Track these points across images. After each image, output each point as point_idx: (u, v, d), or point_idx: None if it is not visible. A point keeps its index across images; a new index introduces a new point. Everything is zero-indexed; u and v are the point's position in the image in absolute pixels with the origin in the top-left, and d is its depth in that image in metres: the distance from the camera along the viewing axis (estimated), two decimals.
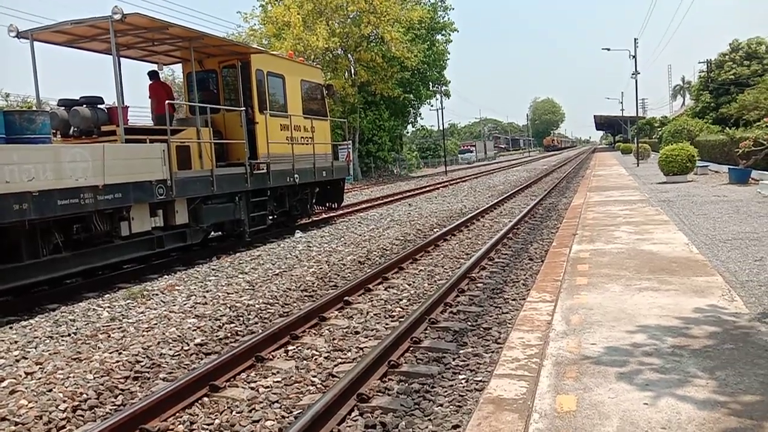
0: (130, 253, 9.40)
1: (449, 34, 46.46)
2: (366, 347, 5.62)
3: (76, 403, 4.66)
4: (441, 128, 56.07)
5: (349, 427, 4.03)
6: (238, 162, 11.80)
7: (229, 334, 6.37)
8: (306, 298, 7.82)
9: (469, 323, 6.20)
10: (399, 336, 5.44)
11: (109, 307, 7.80)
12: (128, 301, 8.01)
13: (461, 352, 5.35)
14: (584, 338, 4.62)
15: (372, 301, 7.38)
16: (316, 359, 5.45)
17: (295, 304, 7.50)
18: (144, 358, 5.61)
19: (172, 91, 12.46)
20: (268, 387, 4.86)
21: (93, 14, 9.18)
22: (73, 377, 5.15)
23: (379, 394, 4.54)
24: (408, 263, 9.45)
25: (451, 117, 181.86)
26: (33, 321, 7.31)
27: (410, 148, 60.99)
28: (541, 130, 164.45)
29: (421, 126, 66.42)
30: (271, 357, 5.56)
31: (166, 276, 9.72)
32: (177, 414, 4.42)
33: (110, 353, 5.76)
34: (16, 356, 5.97)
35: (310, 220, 15.78)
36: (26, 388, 5.00)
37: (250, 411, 4.42)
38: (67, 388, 4.93)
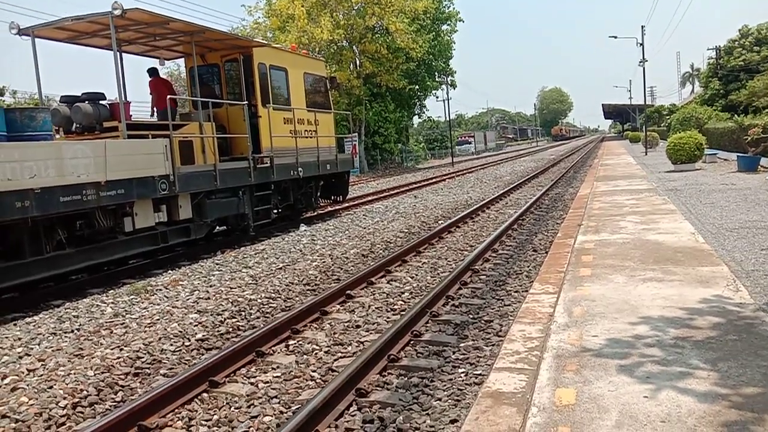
0: (134, 249, 9.42)
1: (454, 24, 46.19)
2: (366, 341, 5.59)
3: (76, 400, 4.66)
4: (447, 119, 55.84)
5: (347, 422, 4.01)
6: (242, 156, 11.77)
7: (230, 329, 6.36)
8: (308, 292, 7.80)
9: (471, 316, 6.15)
10: (399, 330, 5.41)
11: (112, 302, 7.82)
12: (132, 297, 8.02)
13: (461, 345, 5.31)
14: (586, 330, 4.56)
15: (374, 294, 7.35)
16: (316, 354, 5.42)
17: (297, 298, 7.49)
18: (145, 354, 5.61)
19: (173, 86, 12.42)
20: (267, 382, 4.85)
21: (98, 10, 9.10)
22: (74, 374, 5.16)
23: (378, 388, 4.51)
24: (411, 256, 9.41)
25: (458, 107, 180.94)
26: (37, 317, 7.34)
27: (417, 140, 60.82)
28: (549, 119, 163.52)
29: (428, 117, 66.09)
30: (271, 352, 5.54)
31: (170, 271, 9.72)
32: (176, 410, 4.42)
33: (112, 349, 5.77)
34: (19, 353, 5.99)
35: (315, 213, 15.75)
36: (28, 385, 5.01)
37: (248, 406, 4.41)
38: (67, 384, 4.93)
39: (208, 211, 10.80)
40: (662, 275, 5.98)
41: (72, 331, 6.62)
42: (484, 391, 3.74)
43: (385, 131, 42.96)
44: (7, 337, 6.55)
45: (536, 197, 16.33)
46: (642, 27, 34.05)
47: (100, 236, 8.82)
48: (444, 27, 45.56)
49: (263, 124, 12.16)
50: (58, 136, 9.94)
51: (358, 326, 6.14)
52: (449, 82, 48.86)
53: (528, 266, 8.33)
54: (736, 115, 28.86)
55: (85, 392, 4.80)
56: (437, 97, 51.09)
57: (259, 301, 7.35)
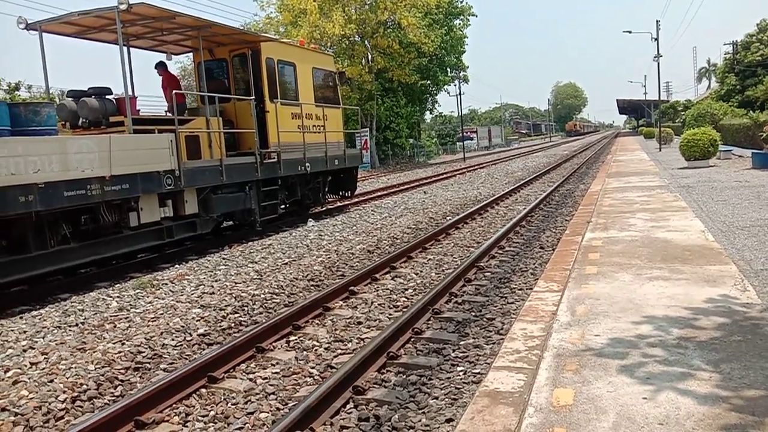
0: (139, 244, 9.44)
1: (467, 19, 45.86)
2: (367, 338, 5.56)
3: (76, 394, 4.68)
4: (459, 114, 55.60)
5: (343, 419, 3.98)
6: (249, 151, 11.77)
7: (232, 324, 6.36)
8: (312, 287, 7.78)
9: (473, 314, 6.10)
10: (400, 326, 5.37)
11: (118, 296, 7.85)
12: (137, 291, 8.05)
13: (462, 343, 5.26)
14: (588, 329, 4.49)
15: (377, 290, 7.31)
16: (316, 350, 5.40)
17: (300, 294, 7.47)
18: (146, 348, 5.62)
19: (179, 81, 12.44)
20: (266, 378, 4.83)
21: (111, 4, 9.11)
22: (75, 368, 5.18)
23: (375, 386, 4.48)
24: (417, 252, 9.36)
25: (471, 103, 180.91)
26: (43, 311, 7.38)
27: (429, 135, 60.63)
28: (563, 114, 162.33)
29: (440, 113, 65.85)
30: (271, 348, 5.52)
31: (177, 265, 9.76)
32: (173, 405, 4.41)
33: (113, 343, 5.79)
34: (23, 346, 6.03)
35: (324, 208, 15.74)
36: (29, 379, 5.03)
37: (245, 403, 4.39)
38: (68, 378, 4.95)
39: (215, 206, 10.81)
40: (669, 274, 5.89)
41: (76, 325, 6.65)
42: (482, 391, 3.69)
43: (396, 126, 42.84)
44: (12, 330, 6.60)
45: (546, 193, 16.20)
46: (657, 22, 33.63)
47: (105, 231, 8.84)
48: (456, 22, 45.27)
49: (271, 119, 12.15)
50: (64, 131, 9.97)
51: (359, 323, 6.10)
52: (461, 77, 48.62)
53: (534, 264, 8.25)
54: (751, 111, 28.43)
55: (84, 386, 4.81)
56: (449, 93, 50.78)
57: (262, 296, 7.34)
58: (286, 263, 9.24)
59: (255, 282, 8.07)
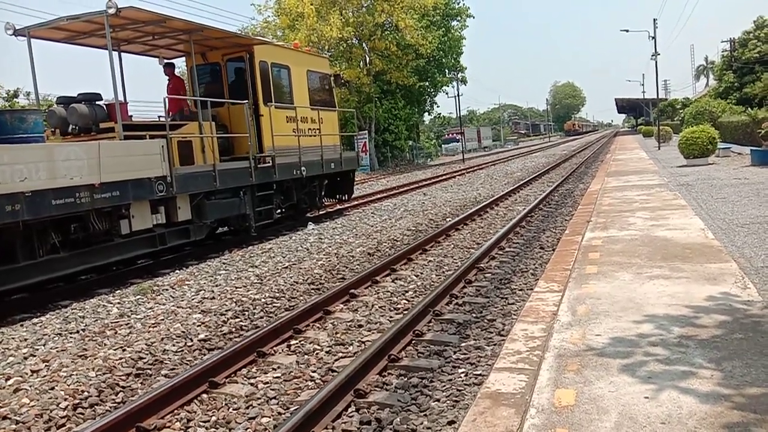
0: (131, 252, 9.38)
1: (464, 20, 45.91)
2: (368, 341, 5.56)
3: (77, 401, 4.67)
4: (458, 115, 55.62)
5: (344, 423, 3.97)
6: (243, 156, 11.73)
7: (233, 329, 6.35)
8: (313, 291, 7.78)
9: (474, 315, 6.09)
10: (401, 329, 5.37)
11: (119, 303, 7.84)
12: (138, 297, 8.05)
13: (463, 345, 5.26)
14: (589, 329, 4.49)
15: (378, 293, 7.31)
16: (317, 354, 5.40)
17: (301, 298, 7.47)
18: (147, 354, 5.62)
19: (183, 84, 12.42)
20: (267, 383, 4.82)
21: (102, 8, 9.06)
22: (76, 375, 5.17)
23: (377, 389, 4.47)
24: (417, 254, 9.35)
25: (470, 104, 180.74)
26: (44, 318, 7.38)
27: (428, 136, 60.66)
28: (561, 114, 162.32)
29: (439, 114, 65.88)
30: (272, 352, 5.52)
31: (177, 271, 9.75)
32: (174, 411, 4.41)
33: (114, 350, 5.78)
34: (24, 354, 6.02)
35: (320, 213, 15.72)
36: (30, 386, 5.03)
37: (247, 407, 4.39)
38: (69, 386, 4.94)
39: (208, 212, 10.75)
40: (669, 272, 5.88)
41: (77, 332, 6.65)
42: (483, 392, 3.69)
43: (395, 128, 42.84)
44: (13, 338, 6.59)
45: (546, 193, 16.20)
46: (654, 20, 33.68)
47: (95, 239, 8.77)
48: (454, 23, 45.30)
49: (265, 123, 12.12)
50: (53, 138, 9.94)
51: (360, 326, 6.10)
52: (460, 78, 48.67)
53: (534, 264, 8.25)
54: (750, 108, 28.44)
55: (86, 393, 4.80)
56: (447, 94, 50.87)
57: (263, 300, 7.34)
58: (287, 267, 9.24)
59: (255, 286, 8.06)
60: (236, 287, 8.10)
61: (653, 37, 33.54)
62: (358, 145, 34.58)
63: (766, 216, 8.74)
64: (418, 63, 39.79)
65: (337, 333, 5.94)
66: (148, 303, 7.71)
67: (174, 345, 5.87)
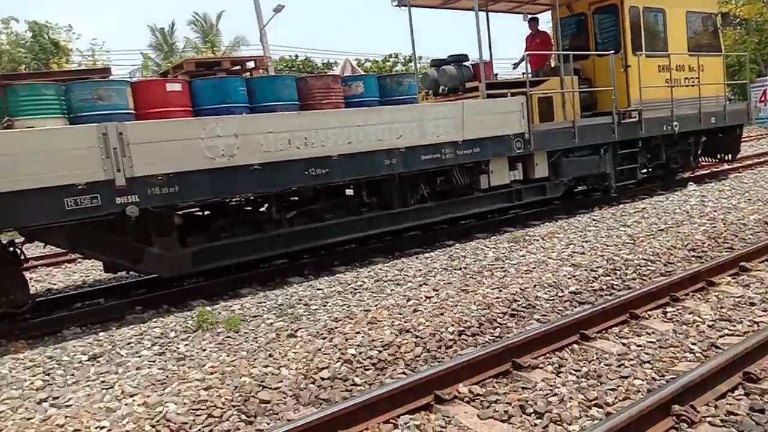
0: (488, 206, 9.90)
1: None
2: (762, 322, 4.89)
3: (461, 329, 5.33)
4: None
5: (730, 404, 3.63)
6: (607, 111, 11.15)
7: (603, 287, 6.32)
8: (693, 258, 7.14)
9: None
10: None
11: (494, 248, 8.53)
12: (511, 244, 8.61)
13: None
14: None
15: None
16: (697, 326, 4.99)
17: (679, 264, 6.94)
18: (520, 298, 6.02)
19: (548, 38, 12.35)
20: (640, 346, 4.70)
21: None
22: (461, 306, 5.87)
23: None
24: None
25: None
26: (433, 254, 8.53)
27: None
28: None
29: None
30: (646, 316, 5.32)
31: (547, 223, 10.06)
32: (546, 354, 4.66)
33: (492, 289, 6.35)
34: (419, 281, 7.11)
35: (695, 174, 13.98)
36: (424, 309, 5.92)
37: (618, 366, 4.36)
38: (454, 314, 5.66)
39: (565, 169, 10.59)
40: None
41: (459, 269, 7.51)
42: None
43: None
44: (410, 267, 7.83)
45: None
46: None
47: (457, 192, 9.55)
48: None
49: (632, 75, 11.19)
50: (428, 99, 10.97)
51: (752, 304, 5.38)
52: None
53: None
54: None
55: (468, 323, 5.44)
56: None
57: (635, 261, 7.07)
58: (662, 229, 8.64)
59: (627, 246, 7.79)
60: (606, 245, 7.97)
61: None
62: (754, 94, 29.42)
63: None
64: None
65: (722, 308, 5.37)
66: (521, 251, 8.19)
67: (545, 293, 6.15)
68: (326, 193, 8.46)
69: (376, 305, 6.16)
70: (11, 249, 6.88)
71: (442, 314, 5.69)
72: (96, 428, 3.96)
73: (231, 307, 6.72)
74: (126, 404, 4.25)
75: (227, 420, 4.04)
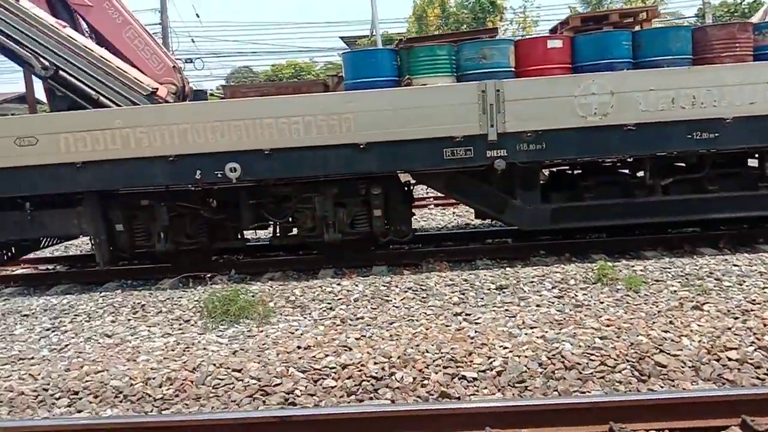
0: None
1: None
2: None
3: None
4: None
5: None
6: None
7: None
8: None
9: None
10: None
11: None
12: None
13: None
14: None
15: None
16: None
17: None
18: None
19: None
20: None
21: None
22: None
23: None
24: None
25: None
26: None
27: None
28: None
29: None
30: None
31: None
32: None
33: None
34: None
35: None
36: None
37: None
38: None
39: None
40: None
41: None
42: None
43: None
44: None
45: None
46: None
47: None
48: None
49: None
50: None
51: None
52: None
53: None
54: None
55: None
56: None
57: None
58: None
59: None
60: None
61: None
62: None
63: None
64: None
65: None
66: None
67: None
68: (713, 161, 7.39)
69: None
70: (406, 189, 8.07)
71: None
72: (500, 347, 4.45)
73: (633, 266, 6.48)
74: (526, 334, 4.68)
75: (620, 372, 4.04)
